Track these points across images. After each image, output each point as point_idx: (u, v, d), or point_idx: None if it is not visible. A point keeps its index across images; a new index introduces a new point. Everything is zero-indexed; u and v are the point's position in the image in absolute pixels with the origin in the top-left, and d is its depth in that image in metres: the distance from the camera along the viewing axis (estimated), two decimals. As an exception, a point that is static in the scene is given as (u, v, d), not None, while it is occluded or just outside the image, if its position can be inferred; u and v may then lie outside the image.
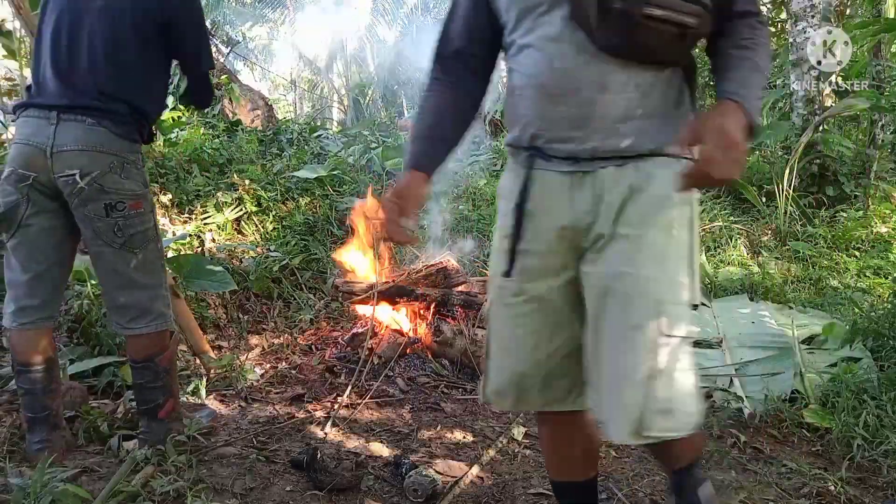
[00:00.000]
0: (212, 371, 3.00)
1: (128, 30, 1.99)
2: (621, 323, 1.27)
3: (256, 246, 4.47)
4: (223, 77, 8.61)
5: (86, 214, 1.96)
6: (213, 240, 4.35)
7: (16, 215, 1.95)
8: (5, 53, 4.27)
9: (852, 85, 6.54)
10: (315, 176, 5.44)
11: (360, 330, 3.63)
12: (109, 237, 1.98)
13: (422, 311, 3.65)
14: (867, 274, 4.89)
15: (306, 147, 7.02)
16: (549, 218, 1.33)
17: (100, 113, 1.95)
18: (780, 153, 7.16)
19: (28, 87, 2.09)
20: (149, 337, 2.11)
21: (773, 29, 11.29)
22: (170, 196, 4.59)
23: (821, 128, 6.08)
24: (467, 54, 1.47)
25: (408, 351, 3.46)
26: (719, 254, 5.52)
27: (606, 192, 1.28)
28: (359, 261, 3.90)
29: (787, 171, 5.81)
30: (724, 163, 1.09)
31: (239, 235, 4.64)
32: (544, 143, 1.32)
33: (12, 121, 2.15)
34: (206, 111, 7.35)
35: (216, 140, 5.76)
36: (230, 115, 7.90)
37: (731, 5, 1.26)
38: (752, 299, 4.53)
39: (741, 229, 5.78)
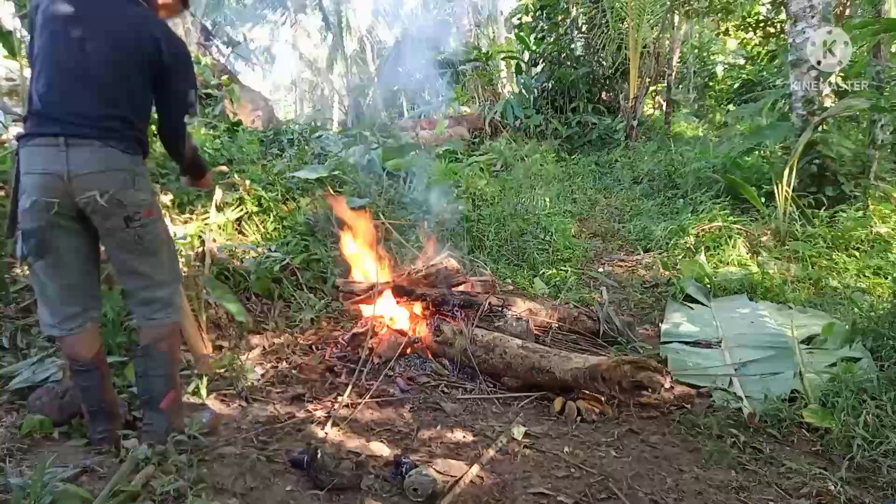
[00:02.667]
0: (206, 371, 3.00)
1: (128, 60, 2.11)
2: None
3: (257, 246, 4.47)
4: (224, 78, 8.62)
5: (108, 227, 2.11)
6: (214, 240, 4.35)
7: (45, 241, 2.08)
8: (5, 53, 4.27)
9: (852, 85, 6.54)
10: (316, 176, 5.44)
11: (360, 330, 3.64)
12: (131, 245, 2.15)
13: (423, 312, 3.66)
14: (867, 274, 4.89)
15: (307, 147, 7.02)
16: None
17: (104, 133, 2.06)
18: (779, 153, 7.17)
19: (26, 117, 2.12)
20: (166, 326, 2.27)
21: (772, 29, 11.33)
22: (171, 196, 4.59)
23: (820, 128, 6.08)
24: None
25: (408, 351, 3.46)
26: (719, 254, 5.52)
27: None
28: (361, 259, 3.92)
29: (786, 171, 5.81)
30: None
31: (240, 235, 4.64)
32: None
33: (14, 152, 2.21)
34: (207, 112, 7.36)
35: (217, 140, 5.76)
36: (231, 115, 7.91)
37: None
38: (751, 299, 4.53)
39: (741, 229, 5.78)
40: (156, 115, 2.30)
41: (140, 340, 2.29)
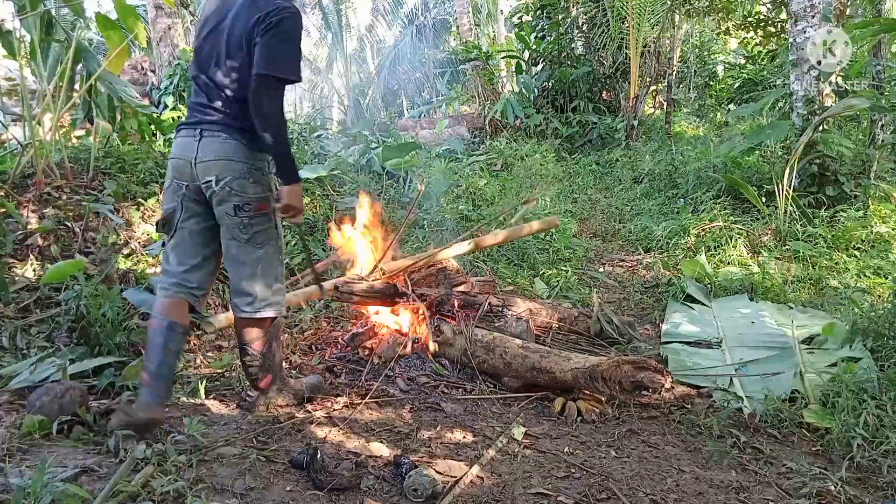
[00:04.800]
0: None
1: (241, 52, 2.28)
2: None
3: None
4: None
5: (220, 212, 2.34)
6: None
7: (173, 220, 2.36)
8: (5, 53, 4.27)
9: (852, 85, 6.54)
10: (315, 176, 5.44)
11: (359, 330, 3.64)
12: (236, 233, 2.35)
13: (422, 312, 3.65)
14: (867, 274, 4.89)
15: (306, 147, 7.02)
16: None
17: (231, 128, 2.31)
18: (780, 153, 7.16)
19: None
20: (262, 322, 2.47)
21: (772, 29, 11.32)
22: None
23: (821, 128, 6.08)
24: None
25: (408, 351, 3.46)
26: (719, 254, 5.52)
27: None
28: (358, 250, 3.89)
29: (787, 171, 5.80)
30: None
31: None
32: None
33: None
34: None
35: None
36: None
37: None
38: (752, 299, 4.53)
39: (741, 229, 5.78)
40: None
41: (238, 334, 2.52)
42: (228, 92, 2.32)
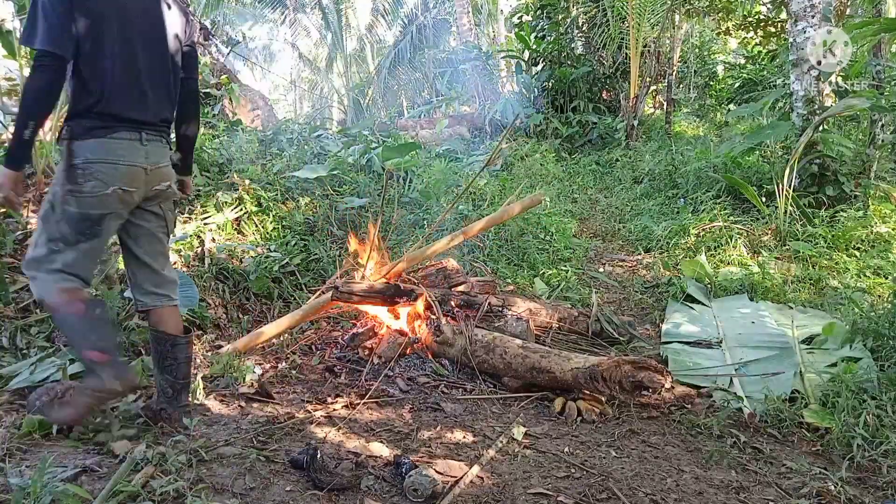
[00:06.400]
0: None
1: (169, 57, 2.34)
2: None
3: (256, 246, 4.47)
4: (223, 77, 8.61)
5: (164, 210, 2.40)
6: (214, 240, 4.35)
7: (102, 224, 2.24)
8: (5, 53, 4.26)
9: (852, 85, 6.54)
10: (315, 176, 5.43)
11: (360, 330, 3.64)
12: (171, 227, 2.48)
13: (423, 311, 3.65)
14: (867, 274, 4.89)
15: (306, 147, 7.02)
16: None
17: (166, 133, 2.38)
18: (780, 153, 7.16)
19: (91, 108, 2.16)
20: (177, 309, 2.49)
21: (772, 29, 11.32)
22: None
23: (821, 128, 6.08)
24: None
25: (408, 351, 3.46)
26: (719, 254, 5.52)
27: None
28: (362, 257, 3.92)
29: (787, 171, 5.80)
30: None
31: (239, 235, 4.64)
32: None
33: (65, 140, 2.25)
34: (206, 112, 7.35)
35: (216, 140, 5.76)
36: (230, 114, 7.90)
37: None
38: (752, 299, 4.53)
39: (741, 229, 5.78)
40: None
41: (166, 326, 2.42)
42: (162, 98, 2.35)
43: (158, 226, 2.41)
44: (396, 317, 3.68)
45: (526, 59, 11.65)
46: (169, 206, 2.44)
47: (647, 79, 10.51)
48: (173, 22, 2.34)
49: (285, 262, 4.37)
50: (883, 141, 6.23)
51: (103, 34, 2.14)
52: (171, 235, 2.52)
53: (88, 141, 2.15)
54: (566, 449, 2.57)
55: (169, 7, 2.33)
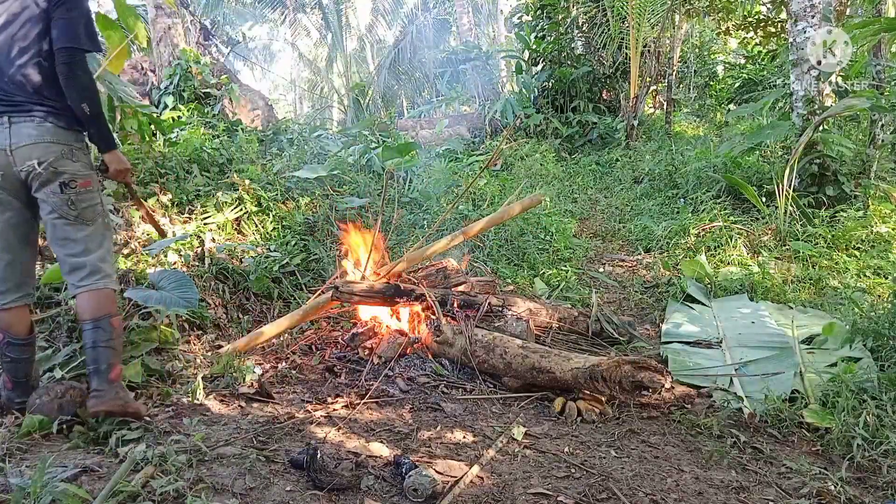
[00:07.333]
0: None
1: (38, 31, 2.28)
2: None
3: (256, 246, 4.47)
4: (223, 77, 8.61)
5: (46, 193, 2.30)
6: (213, 240, 4.35)
7: None
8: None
9: (852, 85, 6.53)
10: (315, 176, 5.43)
11: (360, 330, 3.64)
12: (64, 210, 2.32)
13: (423, 311, 3.65)
14: (867, 274, 4.89)
15: (306, 147, 7.02)
16: None
17: (43, 111, 2.29)
18: (780, 153, 7.16)
19: None
20: (101, 294, 2.37)
21: (772, 29, 11.32)
22: (170, 196, 4.59)
23: (821, 128, 6.08)
24: None
25: (408, 351, 3.46)
26: (719, 254, 5.52)
27: None
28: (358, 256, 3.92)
29: (787, 171, 5.81)
30: None
31: (239, 235, 4.64)
32: None
33: None
34: (206, 112, 7.34)
35: (216, 140, 5.76)
36: (230, 114, 7.90)
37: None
38: (752, 299, 4.53)
39: (741, 229, 5.78)
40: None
41: (81, 315, 2.37)
42: (31, 75, 2.29)
43: (47, 212, 2.34)
44: (398, 317, 3.68)
45: (526, 59, 11.65)
46: (51, 188, 2.30)
47: (647, 79, 10.51)
48: None
49: (285, 262, 4.37)
50: (883, 141, 6.23)
51: None
52: (75, 218, 2.35)
53: None
54: (566, 449, 2.57)
55: None
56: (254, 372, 3.12)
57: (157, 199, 4.44)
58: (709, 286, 4.80)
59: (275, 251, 4.42)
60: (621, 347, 3.87)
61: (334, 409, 2.81)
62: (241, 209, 4.75)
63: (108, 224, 2.49)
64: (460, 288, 4.03)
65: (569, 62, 11.18)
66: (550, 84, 11.10)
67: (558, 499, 2.17)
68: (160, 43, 8.54)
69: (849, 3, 9.28)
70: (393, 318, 3.70)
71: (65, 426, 2.30)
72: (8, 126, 2.26)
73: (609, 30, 10.50)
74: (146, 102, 6.36)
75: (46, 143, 2.29)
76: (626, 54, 10.44)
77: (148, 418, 2.42)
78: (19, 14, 2.29)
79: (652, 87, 11.40)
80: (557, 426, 2.84)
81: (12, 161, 2.26)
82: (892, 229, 5.50)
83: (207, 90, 7.99)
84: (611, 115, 10.98)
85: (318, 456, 2.21)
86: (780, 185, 5.80)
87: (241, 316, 3.91)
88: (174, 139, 5.52)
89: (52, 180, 2.30)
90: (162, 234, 3.22)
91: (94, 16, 2.43)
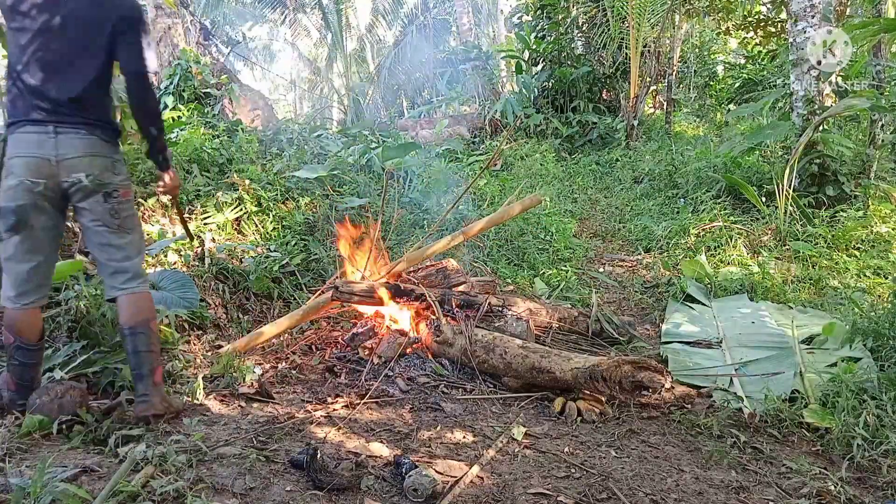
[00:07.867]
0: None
1: (92, 45, 2.32)
2: None
3: (256, 246, 4.47)
4: (223, 77, 8.61)
5: (90, 204, 2.36)
6: (214, 240, 4.35)
7: (26, 218, 2.29)
8: (5, 53, 4.26)
9: (852, 85, 6.53)
10: (315, 176, 5.43)
11: (360, 330, 3.64)
12: (107, 219, 2.40)
13: (423, 311, 3.65)
14: (867, 274, 4.89)
15: (306, 147, 7.02)
16: None
17: (89, 125, 2.33)
18: (780, 153, 7.16)
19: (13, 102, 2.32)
20: (140, 297, 2.46)
21: (772, 29, 11.32)
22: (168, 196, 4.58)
23: (821, 128, 6.08)
24: None
25: (408, 351, 3.46)
26: (719, 254, 5.52)
27: None
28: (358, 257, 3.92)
29: (787, 171, 5.81)
30: None
31: (239, 235, 4.64)
32: None
33: (2, 138, 2.40)
34: (206, 112, 7.34)
35: (216, 140, 5.76)
36: (230, 114, 7.90)
37: None
38: (752, 299, 4.53)
39: (741, 229, 5.78)
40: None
41: (120, 315, 2.44)
42: (82, 87, 2.32)
43: (90, 220, 2.40)
44: (395, 320, 3.68)
45: (526, 59, 11.65)
46: (95, 199, 2.36)
47: (647, 79, 10.51)
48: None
49: (285, 262, 4.37)
50: (883, 141, 6.23)
51: None
52: (118, 227, 2.42)
53: None
54: (566, 449, 2.57)
55: None
56: (254, 372, 3.12)
57: (158, 199, 4.44)
58: (709, 286, 4.80)
59: (275, 251, 4.43)
60: (621, 347, 3.87)
61: (334, 409, 2.81)
62: (241, 209, 4.75)
63: (142, 232, 2.60)
64: (460, 288, 4.03)
65: (569, 62, 11.18)
66: (550, 84, 11.09)
67: (558, 499, 2.17)
68: (160, 43, 8.55)
69: (849, 3, 9.28)
70: (393, 317, 3.70)
71: (65, 426, 2.30)
72: (54, 136, 2.28)
73: (609, 30, 10.50)
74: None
75: (92, 157, 2.34)
76: (626, 54, 10.43)
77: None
78: (85, 22, 2.30)
79: (652, 87, 11.39)
80: (557, 426, 2.84)
81: (57, 172, 2.29)
82: (892, 229, 5.50)
83: (207, 90, 7.99)
84: (611, 115, 10.97)
85: (318, 456, 2.21)
86: (780, 185, 5.80)
87: (241, 316, 3.91)
88: (174, 139, 5.52)
89: (96, 191, 2.36)
90: (191, 238, 3.29)
91: None
